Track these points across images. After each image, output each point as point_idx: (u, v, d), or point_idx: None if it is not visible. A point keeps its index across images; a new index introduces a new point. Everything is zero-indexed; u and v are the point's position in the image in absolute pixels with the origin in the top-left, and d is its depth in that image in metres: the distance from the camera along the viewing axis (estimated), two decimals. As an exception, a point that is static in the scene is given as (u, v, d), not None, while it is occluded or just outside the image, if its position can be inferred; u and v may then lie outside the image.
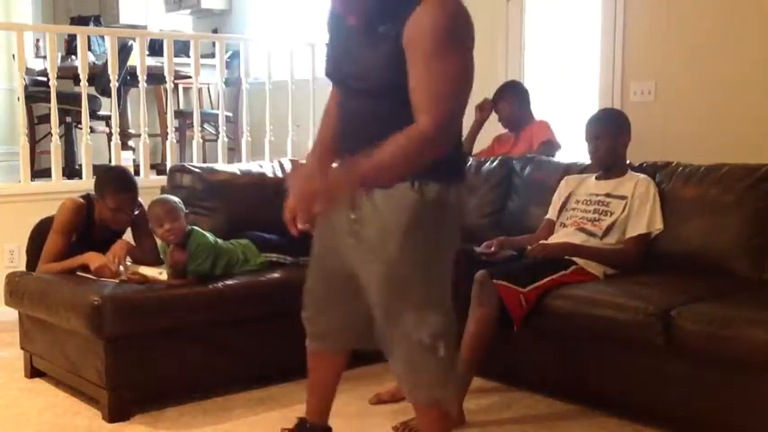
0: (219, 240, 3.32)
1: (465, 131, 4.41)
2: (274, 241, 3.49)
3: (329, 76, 2.25)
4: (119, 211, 3.30)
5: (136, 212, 3.37)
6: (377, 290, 2.11)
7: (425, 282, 2.09)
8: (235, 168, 4.03)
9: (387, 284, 2.09)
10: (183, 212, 3.19)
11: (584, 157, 3.57)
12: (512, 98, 4.36)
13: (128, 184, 3.35)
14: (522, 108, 4.37)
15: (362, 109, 2.12)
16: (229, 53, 6.15)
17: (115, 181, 3.36)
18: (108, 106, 5.16)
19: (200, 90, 6.08)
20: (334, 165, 2.14)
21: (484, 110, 4.40)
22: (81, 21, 7.14)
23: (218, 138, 5.43)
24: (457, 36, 2.05)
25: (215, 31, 7.21)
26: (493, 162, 4.09)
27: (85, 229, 3.35)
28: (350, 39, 2.13)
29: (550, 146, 4.21)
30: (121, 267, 3.17)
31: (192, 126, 5.42)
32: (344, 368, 2.48)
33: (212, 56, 5.72)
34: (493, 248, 3.27)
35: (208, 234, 3.27)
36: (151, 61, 5.49)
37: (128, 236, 3.45)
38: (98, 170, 3.55)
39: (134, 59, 5.15)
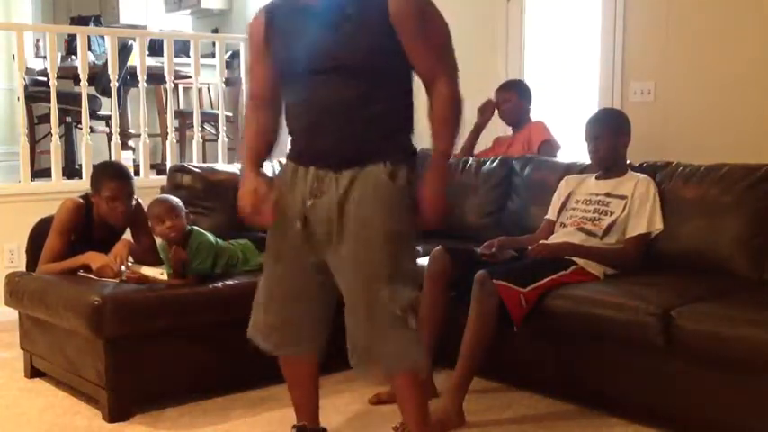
0: (219, 240, 3.32)
1: (461, 133, 4.48)
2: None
3: (288, 68, 2.25)
4: (115, 201, 3.29)
5: (134, 206, 3.38)
6: (353, 268, 2.21)
7: (400, 257, 2.21)
8: (235, 168, 4.03)
9: (365, 261, 2.19)
10: (184, 212, 3.20)
11: (584, 157, 3.57)
12: (515, 94, 4.36)
13: (121, 172, 3.41)
14: (523, 105, 4.37)
15: (335, 89, 2.15)
16: (229, 53, 6.15)
17: (109, 170, 3.42)
18: (108, 106, 5.16)
19: (200, 90, 6.07)
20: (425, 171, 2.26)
21: (486, 112, 4.40)
22: (81, 21, 7.14)
23: (218, 138, 5.43)
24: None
25: (215, 31, 7.21)
26: (493, 162, 4.09)
27: (84, 229, 3.35)
28: (313, 25, 2.15)
29: (550, 146, 4.21)
30: (123, 267, 3.17)
31: (192, 126, 5.42)
32: (319, 366, 2.50)
33: (212, 56, 5.72)
34: (493, 249, 3.27)
35: (207, 233, 3.28)
36: (151, 61, 5.49)
37: (127, 235, 3.45)
38: (94, 166, 3.57)
39: (134, 59, 5.16)
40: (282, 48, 2.26)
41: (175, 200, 3.23)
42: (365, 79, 2.13)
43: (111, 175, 3.34)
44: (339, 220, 2.20)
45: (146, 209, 3.27)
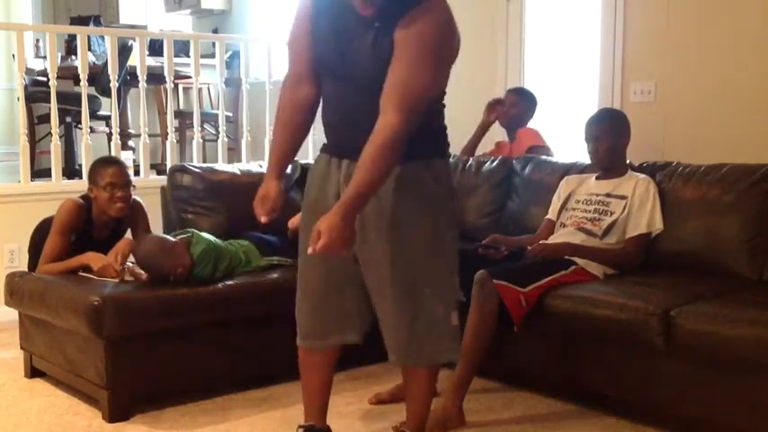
0: (218, 241, 3.32)
1: (461, 133, 4.47)
2: (274, 244, 3.49)
3: (324, 65, 2.24)
4: (114, 187, 3.30)
5: (133, 204, 3.40)
6: (391, 268, 2.23)
7: (438, 255, 2.25)
8: (235, 168, 4.04)
9: (406, 262, 2.23)
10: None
11: (584, 157, 3.57)
12: (526, 103, 4.33)
13: (117, 160, 3.60)
14: (527, 116, 4.33)
15: (361, 102, 2.15)
16: (229, 53, 6.15)
17: (105, 159, 3.53)
18: (108, 106, 5.16)
19: (200, 90, 6.08)
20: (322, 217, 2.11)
21: (492, 112, 4.38)
22: (81, 21, 7.13)
23: (218, 138, 5.43)
24: (444, 47, 2.11)
25: (215, 31, 7.21)
26: (493, 162, 4.09)
27: (85, 229, 3.35)
28: (352, 30, 2.14)
29: (538, 153, 4.15)
30: (124, 266, 3.17)
31: (192, 126, 5.42)
32: (335, 364, 2.49)
33: (212, 56, 5.72)
34: (485, 242, 3.29)
35: (206, 236, 3.27)
36: (151, 61, 5.49)
37: (127, 236, 3.45)
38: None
39: (134, 59, 5.15)
40: (321, 42, 2.23)
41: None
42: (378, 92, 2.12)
43: (108, 163, 3.40)
44: (375, 215, 2.20)
45: (145, 209, 3.29)
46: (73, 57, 5.94)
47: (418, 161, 2.21)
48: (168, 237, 3.22)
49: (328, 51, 2.20)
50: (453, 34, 2.14)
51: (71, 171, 5.46)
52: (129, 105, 6.33)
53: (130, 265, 3.21)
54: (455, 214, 2.39)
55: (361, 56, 2.13)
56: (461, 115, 4.59)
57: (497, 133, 4.54)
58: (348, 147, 2.21)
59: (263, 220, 2.40)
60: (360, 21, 2.11)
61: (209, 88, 7.05)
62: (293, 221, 3.56)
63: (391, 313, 2.29)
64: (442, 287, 2.29)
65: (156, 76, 5.30)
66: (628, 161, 3.44)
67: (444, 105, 2.33)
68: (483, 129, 4.43)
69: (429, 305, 2.26)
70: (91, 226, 3.37)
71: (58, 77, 4.64)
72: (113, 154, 4.84)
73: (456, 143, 4.43)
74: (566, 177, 3.59)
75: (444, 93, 2.29)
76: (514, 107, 4.32)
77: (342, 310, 2.38)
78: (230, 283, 3.21)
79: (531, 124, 4.36)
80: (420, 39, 2.03)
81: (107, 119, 5.59)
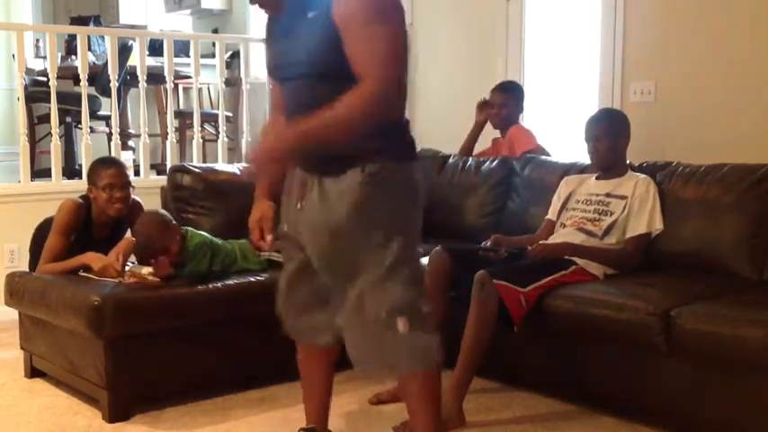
0: (214, 238, 3.32)
1: (461, 133, 4.47)
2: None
3: (271, 73, 2.27)
4: (113, 188, 3.30)
5: (133, 204, 3.40)
6: (324, 267, 2.18)
7: (381, 260, 2.09)
8: (235, 168, 4.04)
9: (332, 261, 2.15)
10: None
11: (584, 157, 3.57)
12: (512, 99, 4.32)
13: (116, 160, 3.62)
14: (512, 111, 4.30)
15: (308, 95, 2.09)
16: (229, 53, 6.15)
17: (103, 160, 3.53)
18: (108, 106, 5.16)
19: (200, 90, 6.07)
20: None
21: (482, 112, 4.38)
22: (81, 21, 7.14)
23: (218, 138, 5.43)
24: (386, 5, 2.02)
25: (215, 31, 7.21)
26: (493, 162, 4.09)
27: (85, 229, 3.36)
28: (282, 31, 2.14)
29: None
30: (126, 267, 3.17)
31: (192, 126, 5.42)
32: (333, 364, 2.47)
33: (212, 56, 5.72)
34: (488, 244, 3.29)
35: (201, 232, 3.29)
36: (151, 61, 5.50)
37: (127, 236, 3.45)
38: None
39: (134, 59, 5.16)
40: (266, 53, 2.30)
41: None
42: (331, 83, 2.03)
43: (106, 164, 3.41)
44: (309, 222, 2.18)
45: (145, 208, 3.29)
46: (73, 57, 5.94)
47: (354, 167, 2.08)
48: (167, 214, 3.24)
49: (274, 60, 2.22)
50: None
51: (71, 171, 5.46)
52: (129, 105, 6.33)
53: (131, 265, 3.22)
54: (408, 221, 2.16)
55: (302, 47, 2.07)
56: (461, 115, 4.63)
57: (494, 131, 4.54)
58: (303, 156, 2.18)
59: (268, 240, 2.34)
60: (293, 20, 2.10)
61: (209, 88, 7.04)
62: None
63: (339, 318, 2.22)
64: (385, 291, 2.10)
65: (155, 76, 5.30)
66: (628, 161, 3.44)
67: (404, 102, 2.15)
68: (477, 128, 4.43)
69: (372, 310, 2.10)
70: (91, 226, 3.37)
71: (58, 77, 4.64)
72: (113, 154, 4.85)
73: (456, 143, 4.48)
74: (566, 177, 3.59)
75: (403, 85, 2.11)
76: (504, 107, 4.28)
77: (306, 309, 2.34)
78: (230, 283, 3.21)
79: (527, 123, 4.35)
80: (356, 10, 1.96)
81: (107, 119, 5.59)
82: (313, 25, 2.03)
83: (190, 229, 3.30)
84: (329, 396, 2.52)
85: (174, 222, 3.24)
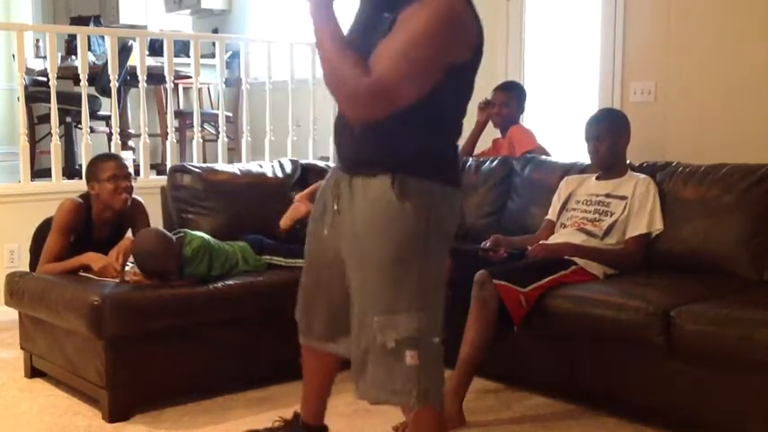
0: (213, 240, 3.32)
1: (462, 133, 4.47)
2: (272, 244, 3.50)
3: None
4: (117, 179, 3.31)
5: (134, 203, 3.40)
6: (353, 285, 2.08)
7: (394, 284, 1.99)
8: (235, 168, 4.03)
9: (357, 280, 2.05)
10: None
11: (585, 157, 3.57)
12: (514, 98, 4.33)
13: (114, 154, 3.66)
14: (513, 111, 4.31)
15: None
16: (229, 53, 6.15)
17: (101, 155, 3.55)
18: (108, 106, 5.16)
19: (200, 90, 6.07)
20: None
21: (483, 112, 4.38)
22: (81, 21, 7.14)
23: (218, 138, 5.43)
24: (438, 39, 1.96)
25: (215, 31, 7.21)
26: (493, 162, 4.09)
27: (85, 229, 3.35)
28: (361, 26, 2.11)
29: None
30: (126, 267, 3.17)
31: (192, 126, 5.42)
32: (338, 366, 2.45)
33: (212, 56, 5.72)
34: (488, 244, 3.28)
35: (200, 234, 3.29)
36: (151, 61, 5.49)
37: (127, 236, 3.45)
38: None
39: (134, 59, 5.15)
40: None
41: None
42: None
43: (107, 158, 3.44)
44: (341, 230, 2.12)
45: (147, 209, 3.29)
46: (73, 57, 5.93)
47: (399, 174, 1.98)
48: (168, 234, 3.21)
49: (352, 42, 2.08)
50: (452, 30, 2.00)
51: (71, 171, 5.45)
52: (129, 105, 6.33)
53: (131, 265, 3.22)
54: (429, 246, 2.01)
55: (371, 48, 2.00)
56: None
57: (494, 131, 4.55)
58: (340, 153, 2.16)
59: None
60: (375, 11, 2.07)
61: (209, 88, 7.05)
62: (284, 221, 3.58)
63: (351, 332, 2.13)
64: (396, 319, 1.97)
65: (155, 76, 5.30)
66: (628, 161, 3.44)
67: (451, 127, 2.12)
68: (478, 128, 4.43)
69: (380, 336, 1.98)
70: (91, 226, 3.37)
71: (58, 77, 4.64)
72: (113, 154, 4.86)
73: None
74: (566, 177, 3.59)
75: (447, 110, 2.08)
76: (505, 107, 4.29)
77: (332, 315, 2.27)
78: (230, 283, 3.21)
79: (528, 123, 4.35)
80: (412, 21, 1.92)
81: (107, 119, 5.59)
82: (384, 25, 2.00)
83: (189, 231, 3.29)
84: (326, 396, 2.52)
85: (173, 241, 3.16)
